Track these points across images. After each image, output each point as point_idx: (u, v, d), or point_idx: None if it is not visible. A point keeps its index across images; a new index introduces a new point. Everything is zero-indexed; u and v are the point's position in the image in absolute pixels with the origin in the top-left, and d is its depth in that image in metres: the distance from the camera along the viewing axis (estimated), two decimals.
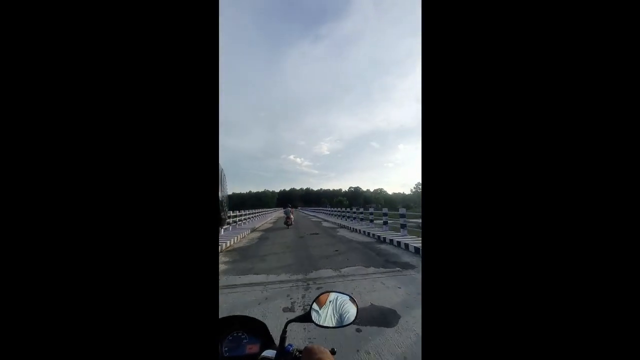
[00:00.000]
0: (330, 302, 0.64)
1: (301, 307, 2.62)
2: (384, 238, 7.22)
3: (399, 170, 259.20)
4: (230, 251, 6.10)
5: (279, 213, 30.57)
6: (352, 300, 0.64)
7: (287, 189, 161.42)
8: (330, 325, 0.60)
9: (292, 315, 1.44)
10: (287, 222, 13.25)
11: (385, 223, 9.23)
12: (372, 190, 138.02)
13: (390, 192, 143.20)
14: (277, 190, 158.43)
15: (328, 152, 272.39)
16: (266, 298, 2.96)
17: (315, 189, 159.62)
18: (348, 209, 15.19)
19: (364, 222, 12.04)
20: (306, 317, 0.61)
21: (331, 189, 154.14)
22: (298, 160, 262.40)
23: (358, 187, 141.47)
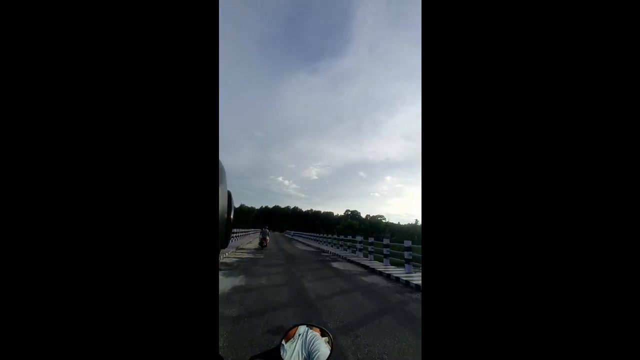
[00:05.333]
0: (299, 335, 0.58)
1: None
2: None
3: (386, 201, 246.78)
4: None
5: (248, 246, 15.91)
6: (326, 335, 0.58)
7: (270, 206, 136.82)
8: None
9: None
10: (263, 243, 14.35)
11: None
12: (371, 215, 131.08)
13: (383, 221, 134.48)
14: (257, 207, 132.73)
15: (317, 177, 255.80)
16: None
17: (304, 209, 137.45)
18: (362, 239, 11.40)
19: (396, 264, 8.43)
20: (273, 353, 0.55)
21: (322, 211, 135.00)
22: (286, 182, 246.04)
23: (356, 210, 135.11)
